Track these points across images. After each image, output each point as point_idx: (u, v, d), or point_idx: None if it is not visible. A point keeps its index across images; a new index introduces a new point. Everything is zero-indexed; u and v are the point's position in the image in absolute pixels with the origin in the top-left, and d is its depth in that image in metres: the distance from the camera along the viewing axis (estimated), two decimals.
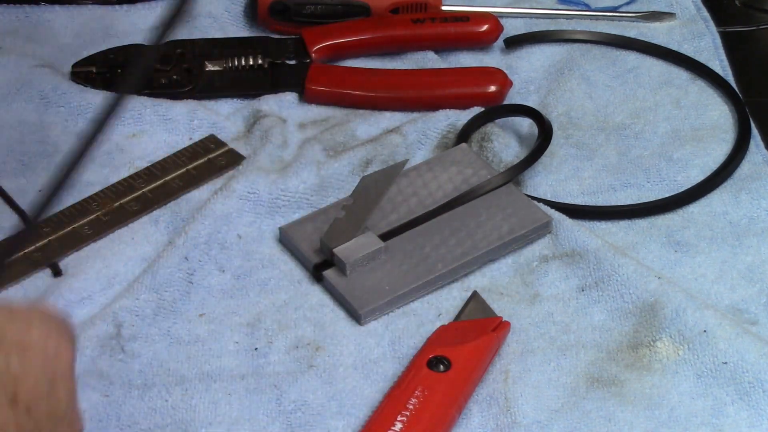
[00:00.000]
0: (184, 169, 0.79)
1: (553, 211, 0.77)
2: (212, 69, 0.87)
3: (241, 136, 0.83)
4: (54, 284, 0.72)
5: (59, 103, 0.83)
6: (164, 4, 0.93)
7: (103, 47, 0.88)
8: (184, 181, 0.79)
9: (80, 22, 0.91)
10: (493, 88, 0.85)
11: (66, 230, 0.75)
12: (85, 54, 0.87)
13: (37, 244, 0.73)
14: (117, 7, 0.93)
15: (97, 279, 0.72)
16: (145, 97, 0.84)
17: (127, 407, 0.66)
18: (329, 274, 0.73)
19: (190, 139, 0.82)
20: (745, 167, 0.81)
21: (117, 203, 0.76)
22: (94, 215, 0.76)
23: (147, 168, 0.79)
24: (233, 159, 0.80)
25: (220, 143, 0.81)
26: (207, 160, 0.80)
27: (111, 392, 0.67)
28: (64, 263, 0.74)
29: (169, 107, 0.84)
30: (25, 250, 0.73)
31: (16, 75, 0.85)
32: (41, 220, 0.67)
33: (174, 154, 0.80)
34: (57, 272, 0.73)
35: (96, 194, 0.77)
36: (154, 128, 0.83)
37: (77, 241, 0.74)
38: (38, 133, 0.82)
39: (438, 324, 0.71)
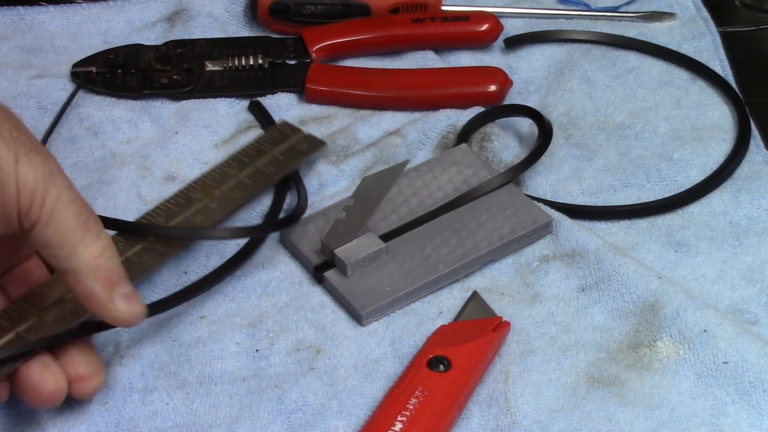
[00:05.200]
0: (271, 156, 0.78)
1: (553, 211, 0.77)
2: (212, 69, 0.87)
3: (236, 138, 0.83)
4: None
5: (55, 111, 0.84)
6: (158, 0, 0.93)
7: (100, 47, 0.88)
8: (276, 167, 0.77)
9: (75, 22, 0.91)
10: (493, 88, 0.85)
11: (178, 219, 0.73)
12: (83, 56, 0.87)
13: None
14: (111, 3, 0.93)
15: None
16: (143, 100, 0.85)
17: (128, 411, 0.66)
18: (330, 275, 0.73)
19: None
20: (745, 167, 0.81)
21: (218, 190, 0.75)
22: (201, 204, 0.74)
23: (234, 156, 0.78)
24: (314, 143, 0.80)
25: (294, 128, 0.80)
26: (290, 147, 0.79)
27: (110, 398, 0.67)
28: None
29: (163, 110, 0.84)
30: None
31: (14, 84, 0.85)
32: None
33: (255, 142, 0.79)
34: None
35: (194, 184, 0.75)
36: (147, 131, 0.83)
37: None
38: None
39: (438, 324, 0.71)
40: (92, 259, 0.61)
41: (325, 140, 0.81)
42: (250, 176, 0.76)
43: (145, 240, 0.70)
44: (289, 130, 0.80)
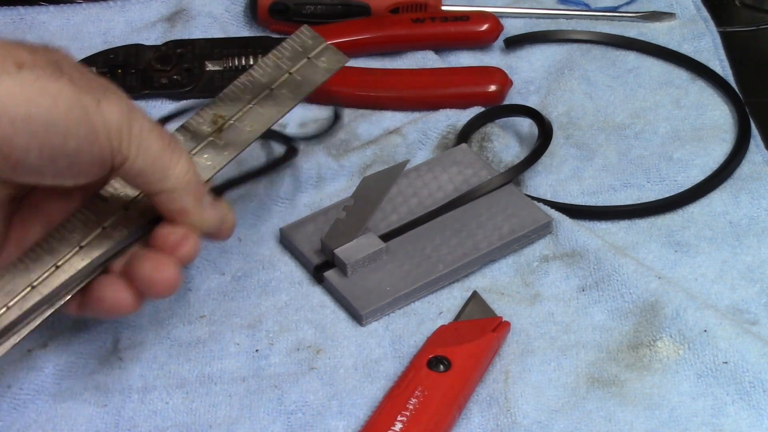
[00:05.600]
0: (288, 75, 0.73)
1: (553, 211, 0.77)
2: (212, 69, 0.87)
3: None
4: None
5: None
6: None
7: (100, 47, 0.88)
8: (293, 90, 0.72)
9: (75, 22, 0.91)
10: (493, 88, 0.85)
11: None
12: (83, 56, 0.87)
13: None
14: (111, 3, 0.93)
15: None
16: (143, 100, 0.85)
17: (127, 411, 0.66)
18: (330, 275, 0.73)
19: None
20: (745, 167, 0.81)
21: (227, 123, 0.70)
22: (209, 139, 0.69)
23: (247, 75, 0.72)
24: (334, 59, 0.74)
25: (315, 36, 0.75)
26: (307, 63, 0.74)
27: (109, 400, 0.67)
28: None
29: (162, 110, 0.84)
30: None
31: None
32: None
33: (273, 54, 0.74)
34: None
35: (202, 112, 0.70)
36: None
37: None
38: None
39: (438, 324, 0.71)
40: (183, 176, 0.62)
41: (345, 56, 0.75)
42: (263, 102, 0.72)
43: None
44: (309, 38, 0.75)
